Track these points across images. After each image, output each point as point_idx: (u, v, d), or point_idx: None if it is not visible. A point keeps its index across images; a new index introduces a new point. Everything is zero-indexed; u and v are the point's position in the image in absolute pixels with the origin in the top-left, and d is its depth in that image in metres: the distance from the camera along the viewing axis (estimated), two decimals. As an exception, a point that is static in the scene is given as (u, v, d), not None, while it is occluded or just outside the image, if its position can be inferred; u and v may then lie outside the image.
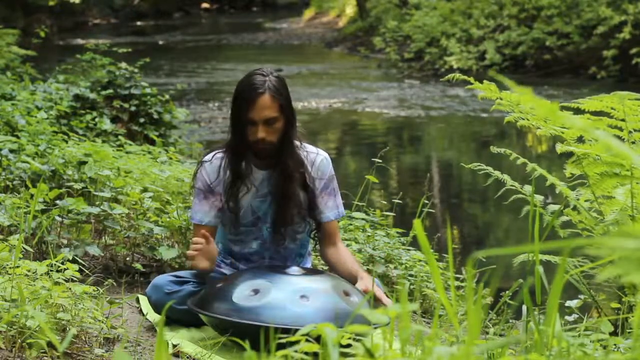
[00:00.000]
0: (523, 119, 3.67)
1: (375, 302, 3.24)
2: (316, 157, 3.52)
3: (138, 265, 4.11)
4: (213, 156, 3.50)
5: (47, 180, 4.58)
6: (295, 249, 3.57)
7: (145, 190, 4.61)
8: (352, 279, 3.37)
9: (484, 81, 3.64)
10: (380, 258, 4.32)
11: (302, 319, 2.99)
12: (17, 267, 3.02)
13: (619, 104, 3.50)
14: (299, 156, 3.46)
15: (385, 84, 17.35)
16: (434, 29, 19.88)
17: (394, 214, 4.93)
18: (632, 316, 2.97)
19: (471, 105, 14.41)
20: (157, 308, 3.44)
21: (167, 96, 8.13)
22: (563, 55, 17.96)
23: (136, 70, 8.14)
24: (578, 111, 3.57)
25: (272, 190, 3.47)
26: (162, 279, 3.46)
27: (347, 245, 4.25)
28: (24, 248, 3.42)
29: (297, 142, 3.46)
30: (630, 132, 3.58)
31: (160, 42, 25.73)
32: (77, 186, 4.52)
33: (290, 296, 3.12)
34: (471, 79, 3.58)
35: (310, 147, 3.52)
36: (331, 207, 3.54)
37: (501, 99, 3.62)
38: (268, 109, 3.34)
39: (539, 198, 3.79)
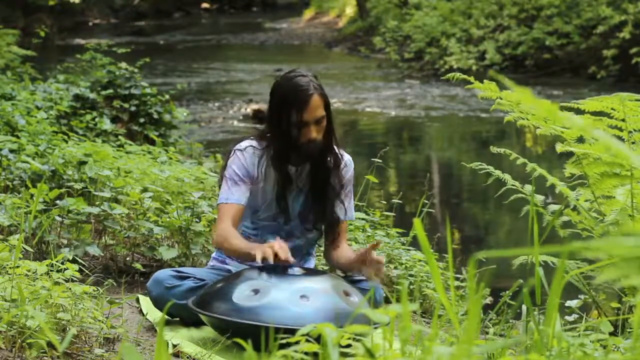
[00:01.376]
0: (523, 119, 3.67)
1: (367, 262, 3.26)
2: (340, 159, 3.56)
3: (138, 265, 4.11)
4: (247, 146, 3.52)
5: (47, 180, 4.58)
6: (305, 247, 3.59)
7: (145, 190, 4.61)
8: (350, 263, 3.42)
9: (485, 80, 3.64)
10: (380, 258, 4.31)
11: (302, 319, 2.99)
12: (17, 267, 3.02)
13: (619, 105, 3.49)
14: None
15: (385, 84, 17.35)
16: (434, 29, 19.88)
17: (394, 214, 4.93)
18: (632, 316, 2.97)
19: (471, 105, 14.41)
20: (157, 303, 3.45)
21: (167, 96, 8.13)
22: (563, 55, 17.96)
23: (136, 70, 8.15)
24: (578, 111, 3.57)
25: (299, 186, 3.51)
26: (163, 274, 3.47)
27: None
28: (24, 248, 3.42)
29: None
30: (630, 132, 3.57)
31: (161, 42, 25.72)
32: (77, 186, 4.52)
33: (290, 296, 3.11)
34: (471, 79, 3.58)
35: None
36: (343, 208, 3.57)
37: (501, 98, 3.62)
38: (319, 108, 3.38)
39: (539, 198, 3.79)
